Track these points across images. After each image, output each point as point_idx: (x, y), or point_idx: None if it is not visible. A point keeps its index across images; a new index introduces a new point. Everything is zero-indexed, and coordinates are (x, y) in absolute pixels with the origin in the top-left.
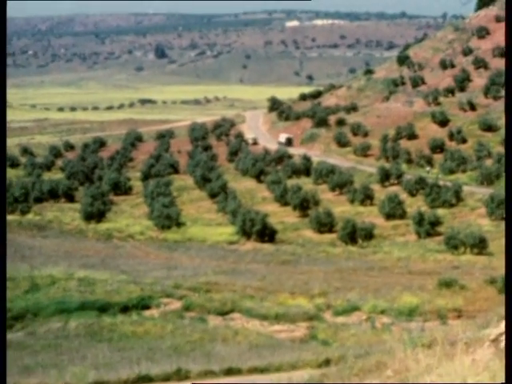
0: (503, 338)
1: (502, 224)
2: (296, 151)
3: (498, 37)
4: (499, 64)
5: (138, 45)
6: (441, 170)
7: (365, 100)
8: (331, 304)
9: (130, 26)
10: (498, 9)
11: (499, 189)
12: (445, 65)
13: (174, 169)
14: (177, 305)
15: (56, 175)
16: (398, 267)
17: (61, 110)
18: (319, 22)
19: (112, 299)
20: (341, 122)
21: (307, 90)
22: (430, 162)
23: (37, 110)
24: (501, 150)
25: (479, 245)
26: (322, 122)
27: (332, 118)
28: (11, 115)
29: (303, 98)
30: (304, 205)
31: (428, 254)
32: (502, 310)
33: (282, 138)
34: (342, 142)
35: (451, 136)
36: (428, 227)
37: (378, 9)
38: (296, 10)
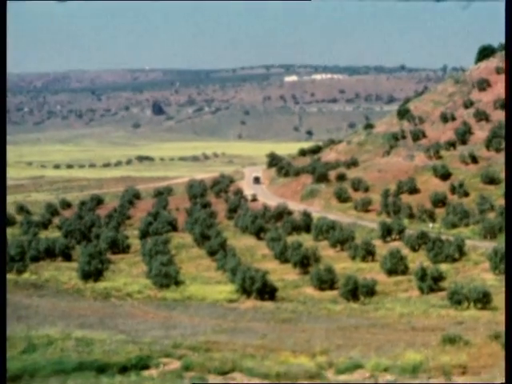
0: None
1: None
2: (296, 207)
3: (499, 88)
4: (501, 116)
5: (134, 101)
6: (443, 224)
7: (365, 155)
8: (333, 362)
9: (127, 82)
10: (498, 60)
11: (502, 242)
12: (446, 118)
13: (173, 226)
14: (176, 364)
15: (53, 234)
16: (400, 324)
17: (57, 167)
18: (318, 76)
19: (110, 359)
20: (341, 178)
21: (307, 145)
22: (431, 217)
23: (33, 168)
24: (503, 202)
25: (483, 299)
26: (322, 178)
27: (332, 174)
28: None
29: (303, 153)
30: (304, 262)
31: (431, 310)
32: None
33: (252, 176)
34: (342, 198)
35: (453, 190)
36: (431, 282)
37: (376, 62)
38: (294, 65)
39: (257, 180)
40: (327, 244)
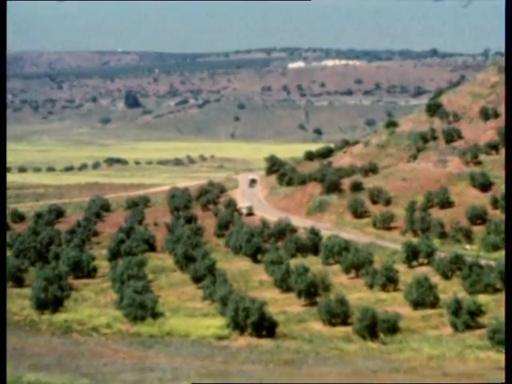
0: None
1: None
2: (301, 223)
3: None
4: None
5: (104, 91)
6: (482, 245)
7: (387, 159)
8: None
9: (94, 66)
10: None
11: None
12: (487, 114)
13: (150, 245)
14: None
15: None
16: (429, 368)
17: (7, 170)
18: (330, 62)
19: None
20: (357, 187)
21: (315, 147)
22: (468, 236)
23: None
24: None
25: None
26: (333, 187)
27: (346, 182)
28: None
29: (310, 157)
30: (311, 290)
31: (467, 352)
32: None
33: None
34: (358, 212)
35: (495, 203)
36: (467, 318)
37: (402, 46)
38: (300, 48)
39: (253, 182)
40: (339, 269)
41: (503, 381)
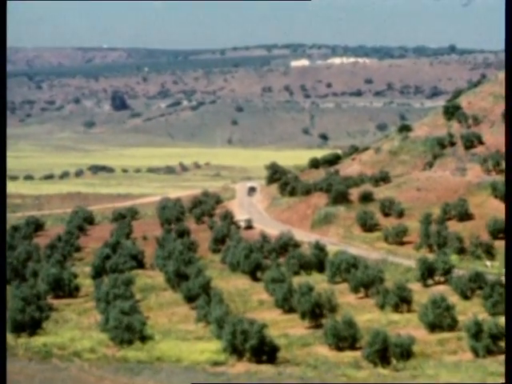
0: None
1: None
2: (305, 237)
3: None
4: None
5: (87, 91)
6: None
7: (399, 167)
8: None
9: (77, 65)
10: None
11: None
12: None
13: (138, 262)
14: None
15: None
16: None
17: None
18: (337, 60)
19: None
20: (366, 198)
21: (320, 153)
22: (489, 252)
23: None
24: None
25: None
26: (340, 198)
27: (354, 192)
28: None
29: (315, 164)
30: (316, 311)
31: (489, 379)
32: None
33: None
34: (368, 225)
35: None
36: (488, 342)
37: (417, 42)
38: (305, 45)
39: (252, 190)
40: (347, 288)
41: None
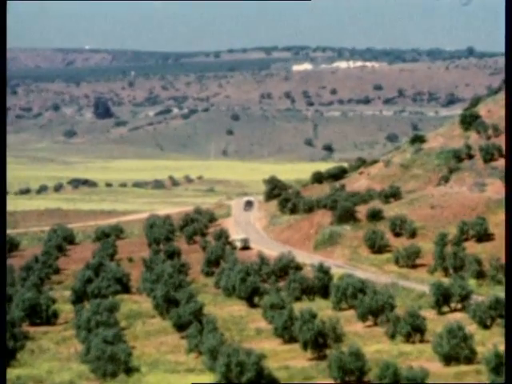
0: None
1: None
2: (308, 259)
3: None
4: None
5: (68, 97)
6: None
7: (412, 182)
8: None
9: (57, 68)
10: None
11: None
12: None
13: (123, 285)
14: None
15: None
16: None
17: None
18: (343, 64)
19: None
20: (375, 216)
21: (324, 166)
22: None
23: None
24: None
25: None
26: (346, 216)
27: (362, 210)
28: None
29: (318, 179)
30: (319, 341)
31: None
32: None
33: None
34: (376, 246)
35: None
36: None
37: (431, 44)
38: (308, 47)
39: (249, 205)
40: (353, 315)
41: None
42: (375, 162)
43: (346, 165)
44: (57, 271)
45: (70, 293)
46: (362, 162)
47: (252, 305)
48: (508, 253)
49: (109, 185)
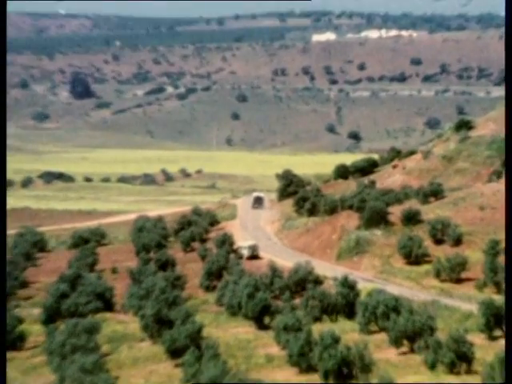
0: None
1: None
2: (329, 271)
3: None
4: None
5: (38, 72)
6: None
7: (457, 178)
8: None
9: (25, 36)
10: None
11: None
12: None
13: (105, 302)
14: None
15: None
16: None
17: None
18: (373, 33)
19: None
20: (412, 219)
21: (350, 158)
22: None
23: None
24: None
25: None
26: (377, 219)
27: (396, 211)
28: None
29: (343, 173)
30: (343, 371)
31: None
32: None
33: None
34: (413, 255)
35: None
36: None
37: (481, 8)
38: (331, 13)
39: (259, 202)
40: (385, 339)
41: None
42: (412, 153)
43: (376, 156)
44: (24, 284)
45: (41, 311)
46: (396, 154)
47: (261, 326)
48: (508, 252)
49: (88, 179)
